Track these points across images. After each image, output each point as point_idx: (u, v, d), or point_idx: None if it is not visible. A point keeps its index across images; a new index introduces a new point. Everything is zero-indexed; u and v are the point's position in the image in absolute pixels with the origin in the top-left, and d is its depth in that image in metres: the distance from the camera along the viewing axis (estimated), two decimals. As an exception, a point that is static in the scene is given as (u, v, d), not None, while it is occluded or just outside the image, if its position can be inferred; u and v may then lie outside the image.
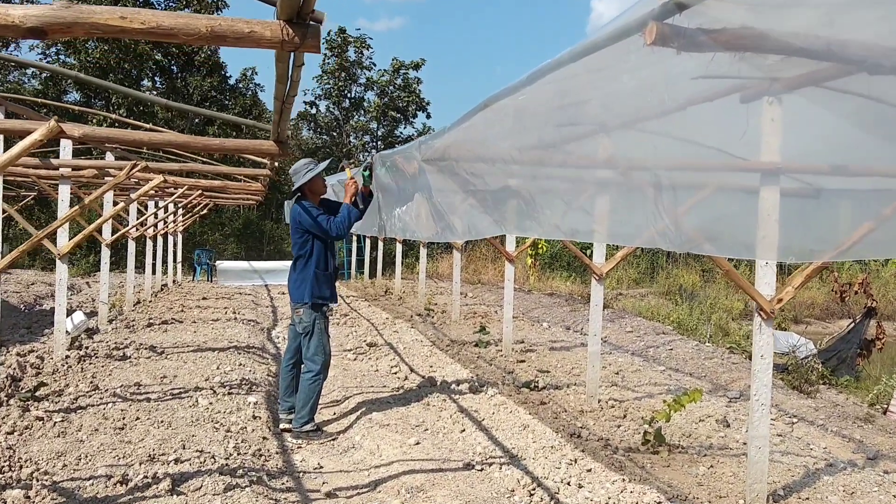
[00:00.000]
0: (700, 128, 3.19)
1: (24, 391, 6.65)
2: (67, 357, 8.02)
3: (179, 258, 22.35)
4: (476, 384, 7.52)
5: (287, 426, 6.23)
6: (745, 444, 6.30)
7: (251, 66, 39.28)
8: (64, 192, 7.74)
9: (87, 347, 8.78)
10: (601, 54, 2.55)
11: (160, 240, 17.25)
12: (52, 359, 7.96)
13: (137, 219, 12.90)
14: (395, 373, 8.38)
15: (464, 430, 6.09)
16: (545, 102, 3.35)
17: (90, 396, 6.69)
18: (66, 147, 7.33)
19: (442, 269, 25.66)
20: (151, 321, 11.23)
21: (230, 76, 29.39)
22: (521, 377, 8.28)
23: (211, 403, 6.53)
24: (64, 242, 7.78)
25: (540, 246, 23.51)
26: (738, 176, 3.95)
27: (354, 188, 6.10)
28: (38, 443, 5.27)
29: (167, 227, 18.58)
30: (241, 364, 8.28)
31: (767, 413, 4.74)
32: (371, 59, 33.94)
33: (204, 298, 15.72)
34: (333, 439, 6.12)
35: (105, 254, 10.31)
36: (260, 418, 6.32)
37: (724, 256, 4.04)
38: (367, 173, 6.29)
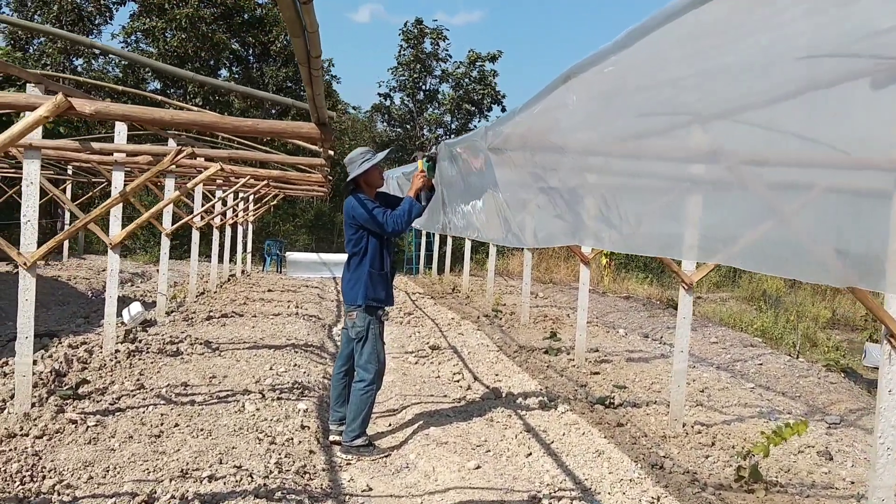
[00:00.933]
0: (818, 118, 2.47)
1: (65, 388, 6.31)
2: (117, 351, 7.69)
3: (249, 248, 22.28)
4: (545, 398, 6.87)
5: (337, 438, 5.71)
6: (852, 482, 5.49)
7: (328, 57, 39.16)
8: (118, 179, 7.40)
9: (139, 341, 8.48)
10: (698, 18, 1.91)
11: (228, 230, 17.07)
12: (101, 353, 7.65)
13: (203, 207, 12.62)
14: (458, 381, 7.78)
15: (530, 454, 5.45)
16: (636, 77, 2.68)
17: (133, 396, 6.30)
18: (120, 132, 6.97)
19: (512, 267, 24.95)
20: (211, 314, 10.92)
21: (305, 66, 29.15)
22: (594, 392, 7.58)
23: (258, 409, 6.06)
24: (116, 231, 7.45)
25: (616, 245, 22.49)
26: (861, 176, 3.19)
27: (422, 181, 5.54)
28: (66, 449, 4.87)
29: (236, 216, 18.43)
30: (295, 364, 7.82)
31: (895, 460, 3.95)
32: (447, 50, 33.48)
33: (269, 290, 15.45)
34: (386, 456, 5.56)
35: (165, 244, 10.03)
36: (308, 428, 5.81)
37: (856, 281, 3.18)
38: (429, 164, 5.72)
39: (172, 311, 11.01)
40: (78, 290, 14.86)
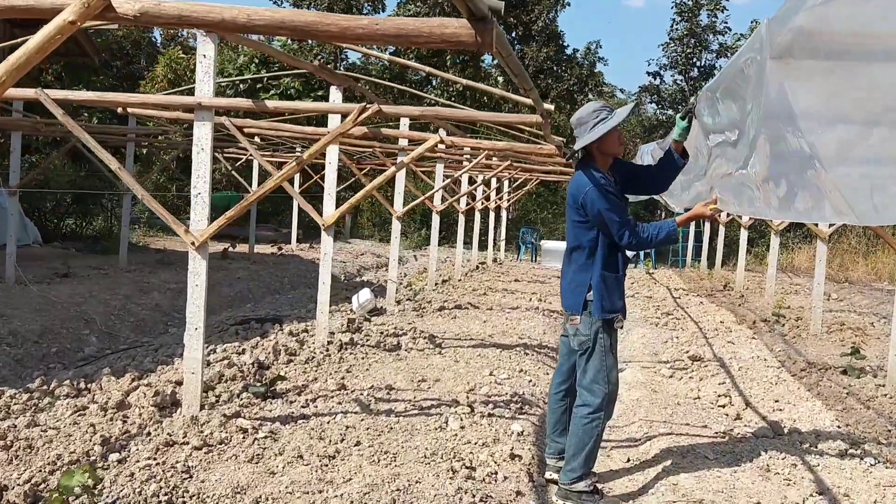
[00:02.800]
0: None
1: (259, 384, 5.64)
2: (330, 343, 7.01)
3: (503, 235, 21.56)
4: (846, 442, 5.02)
5: (554, 476, 4.41)
6: None
7: (596, 39, 37.67)
8: (331, 154, 6.66)
9: (360, 331, 7.78)
10: None
11: (478, 215, 16.34)
12: (311, 344, 7.01)
13: (444, 189, 11.88)
14: (723, 405, 6.09)
15: (826, 535, 3.75)
16: None
17: (330, 399, 5.48)
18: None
19: (798, 262, 21.74)
20: (445, 304, 10.07)
21: (567, 45, 27.98)
22: (920, 436, 5.51)
23: (462, 428, 4.93)
24: (330, 212, 6.73)
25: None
26: None
27: (701, 213, 4.25)
28: (223, 467, 4.06)
29: (487, 201, 17.71)
30: (521, 370, 6.62)
31: None
32: (726, 23, 30.39)
33: (516, 280, 14.45)
34: (616, 510, 4.17)
35: (396, 227, 9.31)
36: (520, 459, 4.56)
37: None
38: (684, 123, 4.19)
39: (408, 299, 10.34)
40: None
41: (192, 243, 4.38)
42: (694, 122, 4.21)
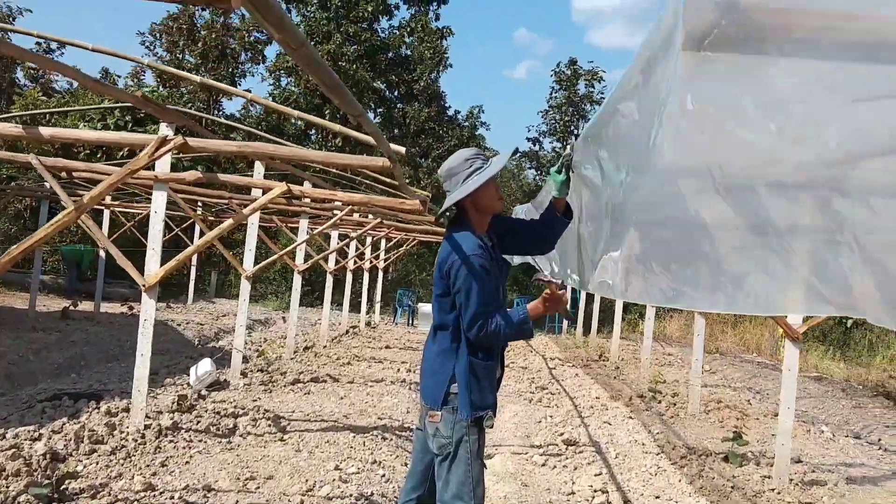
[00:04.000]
0: None
1: (47, 482, 4.49)
2: (147, 427, 5.87)
3: (378, 297, 20.67)
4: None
5: None
6: None
7: (479, 104, 37.98)
8: (157, 200, 5.65)
9: (192, 410, 6.66)
10: None
11: (349, 276, 15.41)
12: (125, 428, 5.85)
13: (304, 248, 10.93)
14: (600, 503, 5.36)
15: None
16: None
17: (128, 505, 4.39)
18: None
19: (670, 331, 21.86)
20: (300, 376, 9.03)
21: (449, 106, 27.82)
22: (813, 542, 4.94)
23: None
24: (153, 269, 5.68)
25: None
26: None
27: (550, 305, 3.31)
28: None
29: (362, 262, 16.85)
30: (374, 461, 5.69)
31: None
32: (602, 93, 31.14)
33: (387, 347, 13.54)
34: None
35: (244, 287, 8.28)
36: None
37: None
38: (561, 177, 3.50)
39: (260, 370, 9.23)
40: (185, 337, 13.58)
41: (143, 285, 3.26)
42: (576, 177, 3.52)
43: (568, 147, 3.53)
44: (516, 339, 3.34)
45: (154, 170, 5.45)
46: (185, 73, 4.64)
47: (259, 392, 7.97)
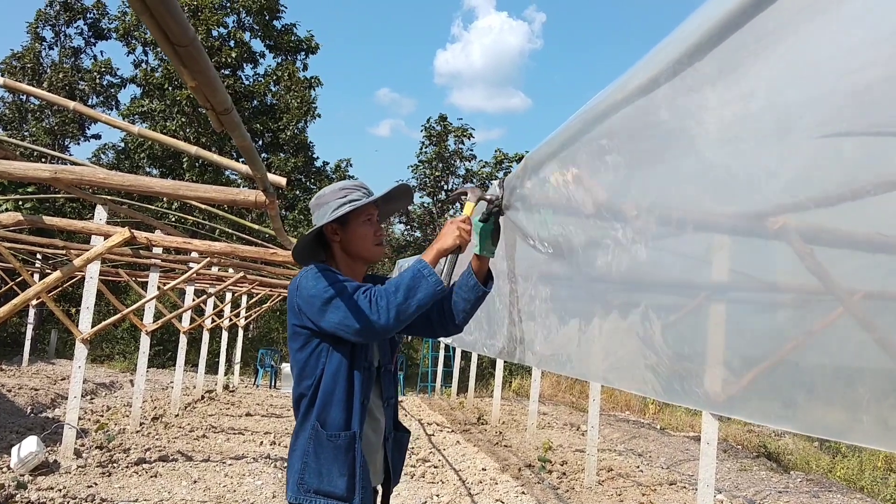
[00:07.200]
0: None
1: None
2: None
3: (238, 358, 19.23)
4: None
5: None
6: None
7: (347, 157, 37.21)
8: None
9: (9, 501, 5.40)
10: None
11: (206, 335, 14.07)
12: None
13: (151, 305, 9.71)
14: None
15: None
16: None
17: None
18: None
19: (542, 388, 21.55)
20: (147, 454, 7.77)
21: (317, 157, 26.93)
22: None
23: None
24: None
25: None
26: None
27: (457, 237, 2.43)
28: None
29: (220, 319, 15.55)
30: (236, 568, 4.66)
31: None
32: (472, 150, 31.24)
33: (248, 415, 12.27)
34: None
35: (80, 350, 7.04)
36: None
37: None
38: (488, 226, 2.70)
39: (99, 447, 7.89)
40: (15, 405, 11.80)
41: None
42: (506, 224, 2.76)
43: (494, 184, 2.78)
44: (424, 293, 2.31)
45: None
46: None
47: (96, 476, 6.69)
